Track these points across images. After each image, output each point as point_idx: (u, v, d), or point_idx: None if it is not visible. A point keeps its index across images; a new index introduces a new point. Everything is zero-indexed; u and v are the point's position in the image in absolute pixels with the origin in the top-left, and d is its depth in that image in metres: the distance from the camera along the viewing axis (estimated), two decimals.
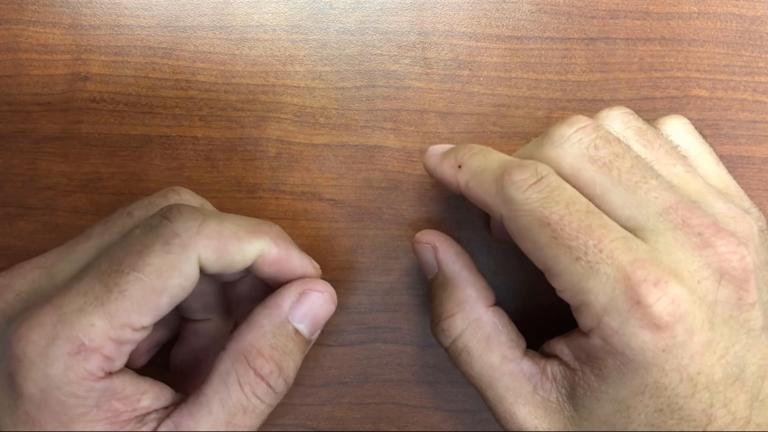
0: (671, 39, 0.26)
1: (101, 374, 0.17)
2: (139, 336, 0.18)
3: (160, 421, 0.18)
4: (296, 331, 0.20)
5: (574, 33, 0.26)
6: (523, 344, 0.21)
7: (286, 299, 0.20)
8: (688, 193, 0.19)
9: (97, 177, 0.25)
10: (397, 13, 0.26)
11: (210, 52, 0.26)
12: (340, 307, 0.25)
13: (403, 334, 0.25)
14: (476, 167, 0.20)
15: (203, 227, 0.18)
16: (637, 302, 0.17)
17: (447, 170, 0.21)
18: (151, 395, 0.18)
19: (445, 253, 0.22)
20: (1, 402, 0.17)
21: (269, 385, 0.19)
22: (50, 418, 0.17)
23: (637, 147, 0.19)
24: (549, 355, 0.20)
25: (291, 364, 0.20)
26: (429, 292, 0.22)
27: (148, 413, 0.18)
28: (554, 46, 0.26)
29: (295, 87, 0.25)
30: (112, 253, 0.18)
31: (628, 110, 0.21)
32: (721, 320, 0.17)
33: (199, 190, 0.25)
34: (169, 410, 0.19)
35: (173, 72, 0.25)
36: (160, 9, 0.26)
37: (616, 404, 0.18)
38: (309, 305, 0.20)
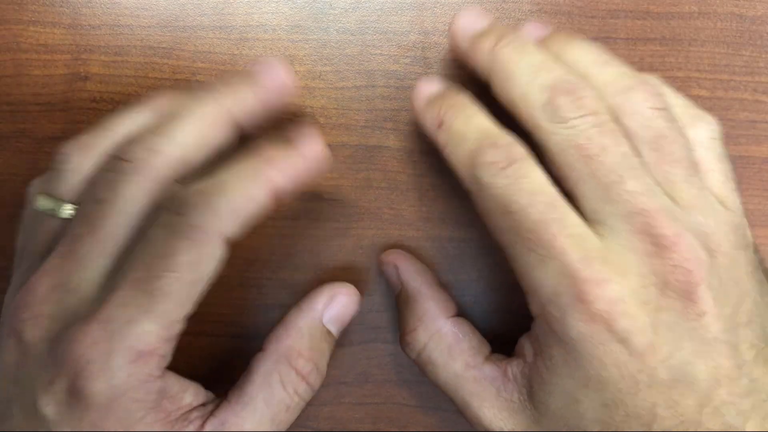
0: (671, 39, 0.26)
1: (159, 373, 0.18)
2: (183, 325, 0.19)
3: (204, 419, 0.19)
4: (328, 331, 0.22)
5: (574, 33, 0.26)
6: (486, 350, 0.22)
7: (319, 302, 0.22)
8: (673, 199, 0.19)
9: None
10: (397, 13, 0.26)
11: (210, 52, 0.26)
12: None
13: None
14: (454, 133, 0.20)
15: (217, 208, 0.18)
16: (579, 298, 0.17)
17: (428, 125, 0.21)
18: (191, 392, 0.19)
19: (405, 271, 0.23)
20: (62, 419, 0.18)
21: (308, 383, 0.21)
22: (115, 424, 0.18)
23: (645, 150, 0.19)
24: (514, 355, 0.21)
25: (324, 362, 0.22)
26: (397, 307, 0.24)
27: (191, 411, 0.19)
28: None
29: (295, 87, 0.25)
30: (141, 260, 0.18)
31: (661, 102, 0.20)
32: (666, 326, 0.18)
33: None
34: (209, 408, 0.20)
35: (173, 72, 0.25)
36: (160, 9, 0.26)
37: (565, 397, 0.18)
38: (338, 307, 0.22)
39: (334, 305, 0.22)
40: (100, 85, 0.25)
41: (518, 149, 0.19)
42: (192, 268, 0.18)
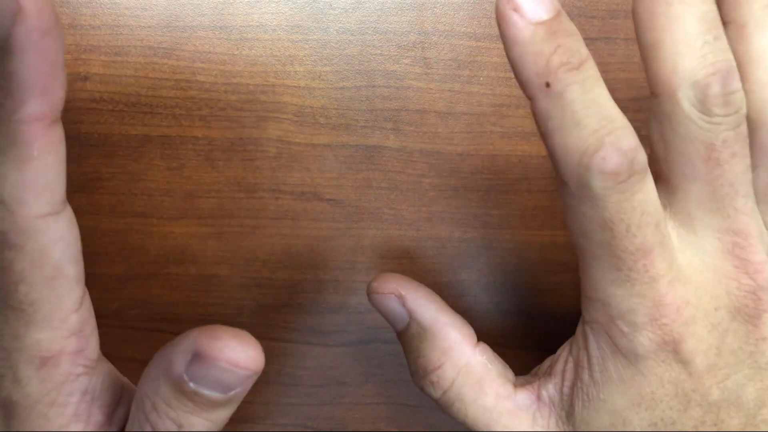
0: None
1: (80, 371, 0.17)
2: (83, 311, 0.17)
3: None
4: (196, 392, 0.16)
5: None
6: (511, 375, 0.20)
7: (179, 358, 0.15)
8: (765, 222, 0.18)
9: (96, 177, 0.25)
10: (397, 13, 0.26)
11: (210, 52, 0.26)
12: (340, 307, 0.25)
13: None
14: (568, 109, 0.16)
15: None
16: (655, 319, 0.17)
17: (528, 74, 0.16)
18: (119, 389, 0.18)
19: (414, 299, 0.20)
20: None
21: None
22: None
23: (763, 169, 0.18)
24: (546, 374, 0.20)
25: (197, 421, 0.16)
26: (403, 343, 0.21)
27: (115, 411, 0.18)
28: None
29: (295, 87, 0.25)
30: None
31: None
32: (729, 349, 0.17)
33: (199, 189, 0.25)
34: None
35: (173, 72, 0.25)
36: (160, 9, 0.26)
37: (613, 416, 0.18)
38: (207, 371, 0.15)
39: (200, 367, 0.15)
40: (100, 85, 0.25)
41: (643, 157, 0.16)
42: (37, 265, 0.16)
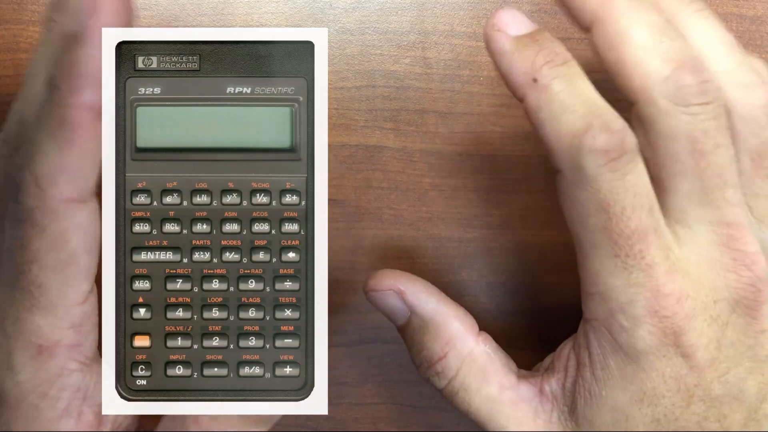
0: None
1: (75, 366, 0.17)
2: (89, 304, 0.17)
3: None
4: None
5: (574, 33, 0.26)
6: (514, 366, 0.20)
7: None
8: (750, 210, 0.18)
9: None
10: (397, 13, 0.26)
11: None
12: (340, 307, 0.25)
13: None
14: (555, 99, 0.17)
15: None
16: (655, 311, 0.17)
17: (517, 75, 0.17)
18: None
19: (414, 293, 0.20)
20: None
21: None
22: (24, 424, 0.17)
23: (744, 157, 0.18)
24: (549, 369, 0.20)
25: None
26: (404, 337, 0.21)
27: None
28: None
29: None
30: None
31: None
32: (729, 342, 0.17)
33: None
34: None
35: None
36: (160, 9, 0.26)
37: (615, 413, 0.18)
38: None
39: None
40: None
41: (632, 138, 0.17)
42: (54, 248, 0.16)
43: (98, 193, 0.17)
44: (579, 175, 0.17)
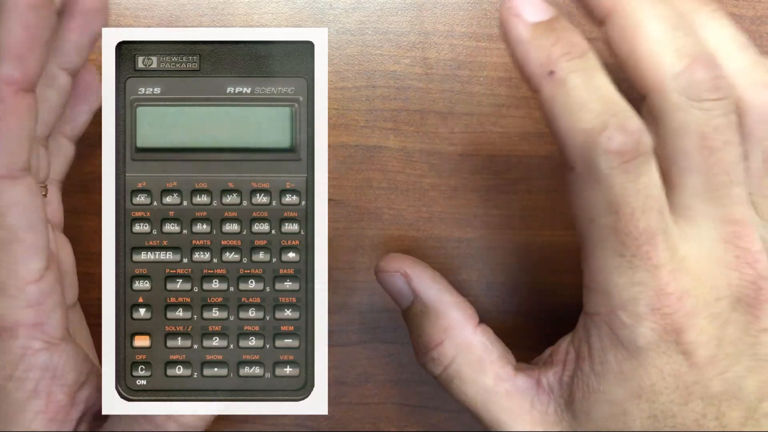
0: None
1: (40, 345, 0.17)
2: (51, 278, 0.17)
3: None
4: None
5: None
6: (512, 358, 0.20)
7: None
8: (755, 208, 0.18)
9: (97, 177, 0.25)
10: (397, 13, 0.26)
11: None
12: (340, 307, 0.25)
13: (403, 334, 0.25)
14: (572, 94, 0.16)
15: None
16: (656, 309, 0.17)
17: (533, 65, 0.17)
18: (82, 366, 0.18)
19: (419, 278, 0.21)
20: None
21: None
22: None
23: (755, 157, 0.18)
24: (547, 363, 0.20)
25: None
26: (407, 321, 0.21)
27: (78, 391, 0.18)
28: None
29: None
30: None
31: None
32: (729, 340, 0.17)
33: None
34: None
35: None
36: (160, 9, 0.26)
37: (613, 407, 0.18)
38: None
39: None
40: None
41: (648, 139, 0.16)
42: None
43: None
44: (591, 173, 0.16)
